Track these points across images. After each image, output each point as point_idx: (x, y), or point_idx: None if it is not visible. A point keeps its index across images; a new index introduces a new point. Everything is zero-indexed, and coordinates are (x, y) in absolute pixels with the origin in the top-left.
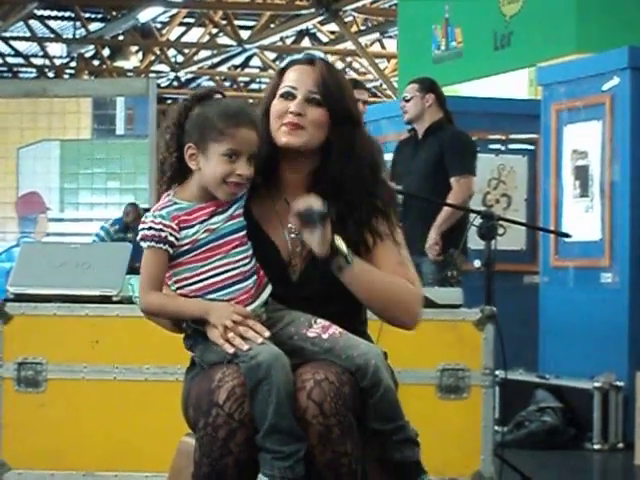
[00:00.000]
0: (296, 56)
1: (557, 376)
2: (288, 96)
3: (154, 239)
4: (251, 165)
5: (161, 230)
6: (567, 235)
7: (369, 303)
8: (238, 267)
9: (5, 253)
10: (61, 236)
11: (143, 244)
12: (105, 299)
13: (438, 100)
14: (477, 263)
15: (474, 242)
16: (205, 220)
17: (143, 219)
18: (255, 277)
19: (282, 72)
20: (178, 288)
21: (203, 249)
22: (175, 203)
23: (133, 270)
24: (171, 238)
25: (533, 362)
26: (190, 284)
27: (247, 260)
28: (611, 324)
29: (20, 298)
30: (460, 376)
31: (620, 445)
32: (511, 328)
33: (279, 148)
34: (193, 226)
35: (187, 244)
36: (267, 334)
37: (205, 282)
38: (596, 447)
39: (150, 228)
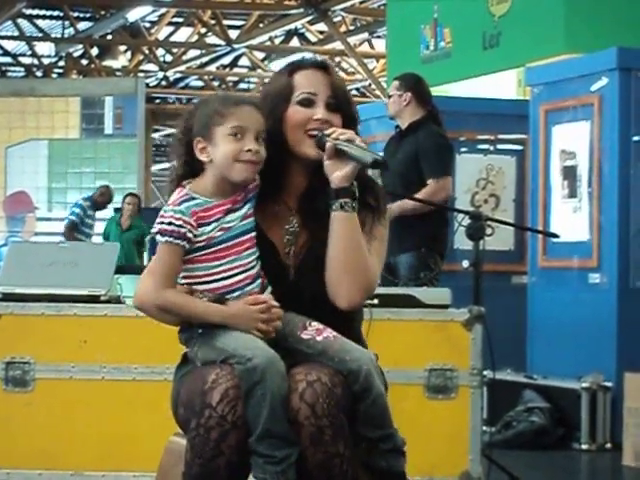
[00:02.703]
0: (301, 59)
1: (545, 376)
2: (308, 103)
3: (173, 234)
4: (261, 144)
5: (181, 226)
6: (555, 235)
7: (338, 254)
8: (248, 270)
9: None
10: (49, 235)
11: (160, 238)
12: (93, 299)
13: (418, 98)
14: (465, 263)
15: (462, 242)
16: (221, 218)
17: (162, 213)
18: (259, 280)
19: (290, 75)
20: (187, 284)
21: (217, 248)
22: (192, 198)
23: (121, 269)
24: (190, 235)
25: (521, 362)
26: (201, 283)
27: (255, 262)
28: (599, 324)
29: (8, 297)
30: (448, 376)
31: (608, 445)
32: (499, 328)
33: (289, 153)
34: (210, 224)
35: (202, 241)
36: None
37: (217, 284)
38: (584, 447)
39: (170, 223)
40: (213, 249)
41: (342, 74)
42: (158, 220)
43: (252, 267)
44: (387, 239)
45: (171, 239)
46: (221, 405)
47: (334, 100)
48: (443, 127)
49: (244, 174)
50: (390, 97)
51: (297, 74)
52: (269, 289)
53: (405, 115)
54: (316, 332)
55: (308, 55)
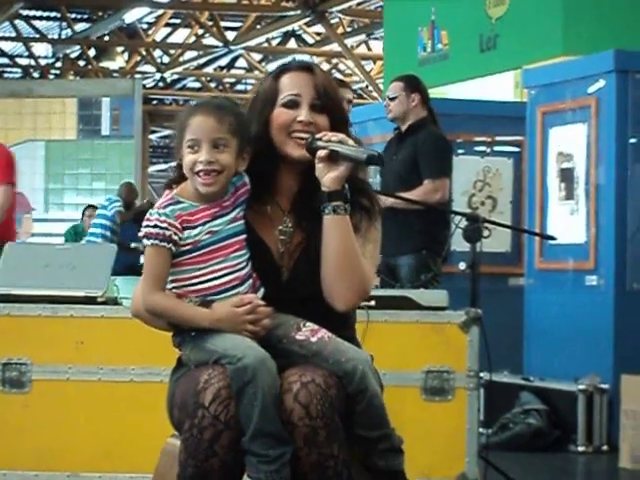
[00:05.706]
0: (287, 62)
1: (542, 378)
2: (292, 105)
3: (158, 237)
4: (219, 151)
5: (166, 229)
6: (552, 237)
7: (332, 258)
8: (235, 271)
9: None
10: (46, 237)
11: (146, 241)
12: (90, 300)
13: (423, 99)
14: (462, 265)
15: (459, 244)
16: (207, 222)
17: (148, 216)
18: (250, 281)
19: (276, 79)
20: (175, 287)
21: (204, 251)
22: (178, 201)
23: (118, 271)
24: (175, 237)
25: (518, 364)
26: (188, 285)
27: (244, 264)
28: (596, 326)
29: (5, 299)
30: (445, 378)
31: (604, 447)
32: (496, 330)
33: (278, 155)
34: (196, 227)
35: (188, 244)
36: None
37: (203, 285)
38: (580, 449)
39: (155, 226)
40: (200, 252)
41: (339, 76)
42: (144, 223)
43: (241, 269)
44: (380, 241)
45: (157, 242)
46: (214, 405)
47: (319, 101)
48: (440, 128)
49: (203, 187)
50: (393, 99)
51: (283, 77)
52: (262, 291)
53: (410, 116)
54: (311, 333)
55: (298, 57)
